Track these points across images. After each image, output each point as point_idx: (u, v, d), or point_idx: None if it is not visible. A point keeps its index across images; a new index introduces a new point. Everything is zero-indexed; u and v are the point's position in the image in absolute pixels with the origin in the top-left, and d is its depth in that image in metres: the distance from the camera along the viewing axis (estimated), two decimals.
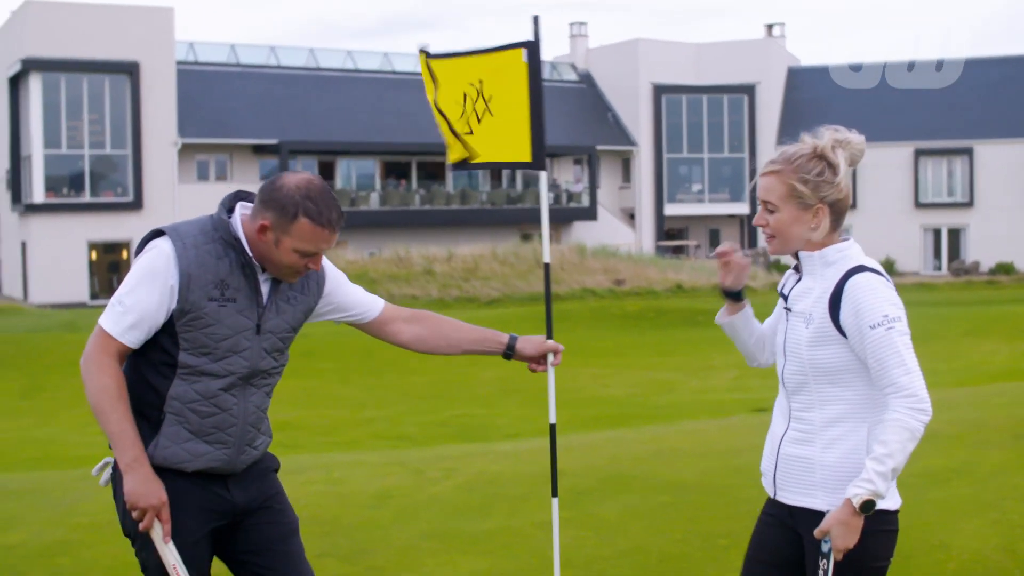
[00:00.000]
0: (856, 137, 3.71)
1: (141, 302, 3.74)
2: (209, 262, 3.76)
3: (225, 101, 48.98)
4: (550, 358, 4.47)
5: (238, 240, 3.80)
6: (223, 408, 3.85)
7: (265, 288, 3.88)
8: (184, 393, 3.79)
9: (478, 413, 17.56)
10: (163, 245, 3.78)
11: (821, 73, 61.41)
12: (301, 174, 3.81)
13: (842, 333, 3.59)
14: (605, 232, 52.78)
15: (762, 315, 4.15)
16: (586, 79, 61.31)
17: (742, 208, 59.00)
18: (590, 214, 54.35)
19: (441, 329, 4.30)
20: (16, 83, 45.96)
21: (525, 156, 4.99)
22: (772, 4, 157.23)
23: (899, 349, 3.49)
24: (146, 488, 3.71)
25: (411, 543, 7.34)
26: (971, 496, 7.96)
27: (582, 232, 53.81)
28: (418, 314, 4.32)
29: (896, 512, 3.69)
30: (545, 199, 5.06)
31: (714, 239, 60.66)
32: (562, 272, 40.56)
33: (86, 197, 44.99)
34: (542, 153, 4.95)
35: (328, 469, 9.63)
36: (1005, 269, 52.97)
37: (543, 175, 5.08)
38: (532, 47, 4.93)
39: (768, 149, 59.05)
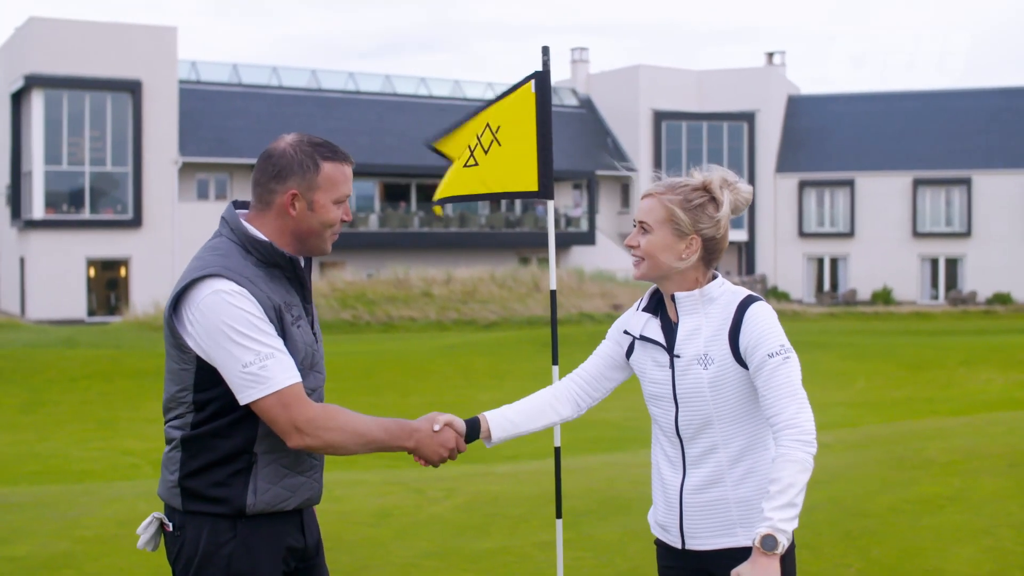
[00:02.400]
0: (745, 187, 3.69)
1: (274, 341, 3.41)
2: (270, 288, 3.49)
3: (226, 120, 49.10)
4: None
5: (276, 251, 3.53)
6: None
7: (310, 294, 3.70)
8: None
9: None
10: (232, 287, 3.40)
11: (821, 101, 61.74)
12: (286, 136, 3.60)
13: (742, 364, 3.55)
14: (603, 257, 52.83)
15: None
16: (586, 104, 61.49)
17: (740, 235, 59.10)
18: (588, 239, 54.42)
19: None
20: (18, 99, 46.05)
21: (532, 185, 5.01)
22: (773, 32, 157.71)
23: (792, 380, 3.47)
24: (438, 441, 3.68)
25: (412, 561, 7.42)
26: (965, 523, 8.05)
27: (580, 257, 53.87)
28: None
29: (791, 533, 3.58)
30: (552, 228, 5.10)
31: None
32: (560, 296, 40.61)
33: (86, 214, 45.02)
34: (550, 182, 4.97)
35: (328, 487, 9.69)
36: (1002, 299, 53.02)
37: (551, 204, 5.12)
38: (541, 77, 4.98)
39: (767, 176, 59.24)
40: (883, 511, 8.45)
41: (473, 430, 3.87)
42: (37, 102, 43.98)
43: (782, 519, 3.33)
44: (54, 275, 43.73)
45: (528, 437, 14.04)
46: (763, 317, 3.53)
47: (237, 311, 3.37)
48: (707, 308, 3.62)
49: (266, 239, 3.54)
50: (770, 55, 61.97)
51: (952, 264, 57.21)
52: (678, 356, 3.63)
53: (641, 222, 3.67)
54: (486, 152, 5.02)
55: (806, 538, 7.66)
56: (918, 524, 8.05)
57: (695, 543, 3.66)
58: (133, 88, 44.87)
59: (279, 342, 3.42)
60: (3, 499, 9.71)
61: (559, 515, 5.12)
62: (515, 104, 4.99)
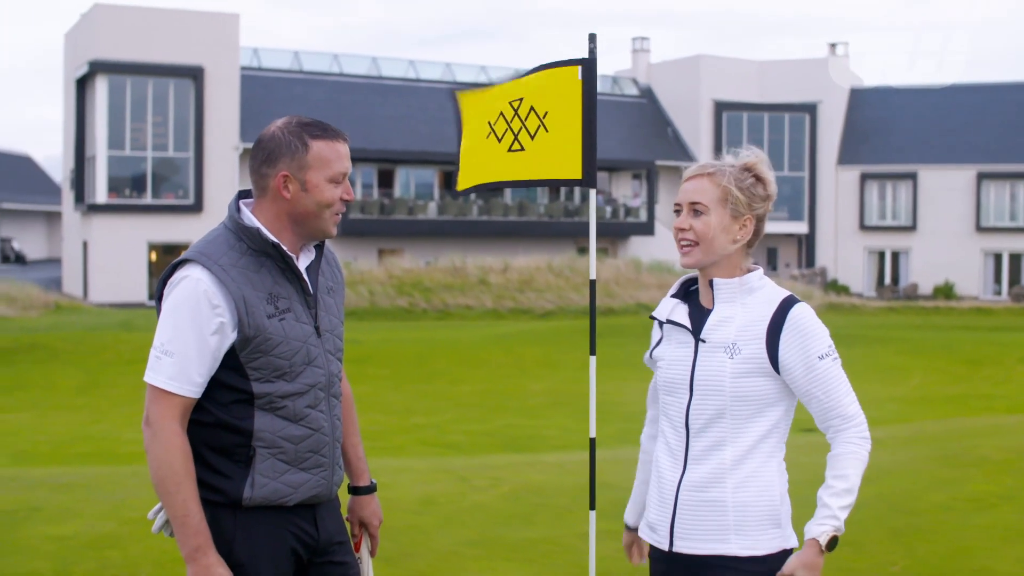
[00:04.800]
0: (772, 176, 3.59)
1: (191, 344, 3.38)
2: (254, 278, 3.44)
3: (287, 107, 49.32)
4: (365, 544, 4.01)
5: (263, 238, 3.47)
6: (316, 428, 3.55)
7: (310, 286, 3.59)
8: (271, 424, 3.47)
9: (526, 424, 17.59)
10: (198, 274, 3.41)
11: (884, 93, 61.08)
12: (277, 120, 3.56)
13: (774, 364, 3.42)
14: (662, 247, 52.64)
15: None
16: (647, 94, 61.27)
17: (801, 227, 58.68)
18: (647, 229, 54.25)
19: (348, 414, 3.93)
20: (83, 84, 46.59)
21: (576, 173, 4.97)
22: (836, 23, 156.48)
23: (844, 378, 3.42)
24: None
25: (454, 549, 7.40)
26: (1016, 522, 7.92)
27: (639, 247, 53.73)
28: (347, 385, 3.90)
29: None
30: (594, 217, 5.05)
31: (772, 258, 60.40)
32: (617, 287, 40.52)
33: (147, 199, 45.51)
34: (593, 171, 4.93)
35: (374, 474, 9.67)
36: None
37: (593, 193, 5.08)
38: (588, 64, 4.93)
39: (829, 168, 58.74)
40: (932, 509, 8.33)
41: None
42: (101, 88, 44.47)
43: (845, 517, 3.32)
44: (116, 259, 44.23)
45: (573, 426, 13.93)
46: (809, 320, 3.43)
47: (184, 298, 3.39)
48: (745, 299, 3.49)
49: (254, 225, 3.49)
50: (833, 46, 61.37)
51: (1016, 259, 56.45)
52: (703, 341, 3.49)
53: (693, 203, 3.51)
54: (532, 138, 4.98)
55: (852, 535, 7.57)
56: (968, 523, 7.93)
57: (684, 545, 3.50)
58: (195, 74, 45.25)
59: (204, 351, 3.40)
60: (53, 479, 9.81)
61: (592, 506, 5.09)
62: (560, 90, 4.95)
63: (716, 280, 3.52)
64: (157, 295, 3.52)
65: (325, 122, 3.56)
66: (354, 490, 3.99)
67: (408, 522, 8.05)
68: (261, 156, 3.52)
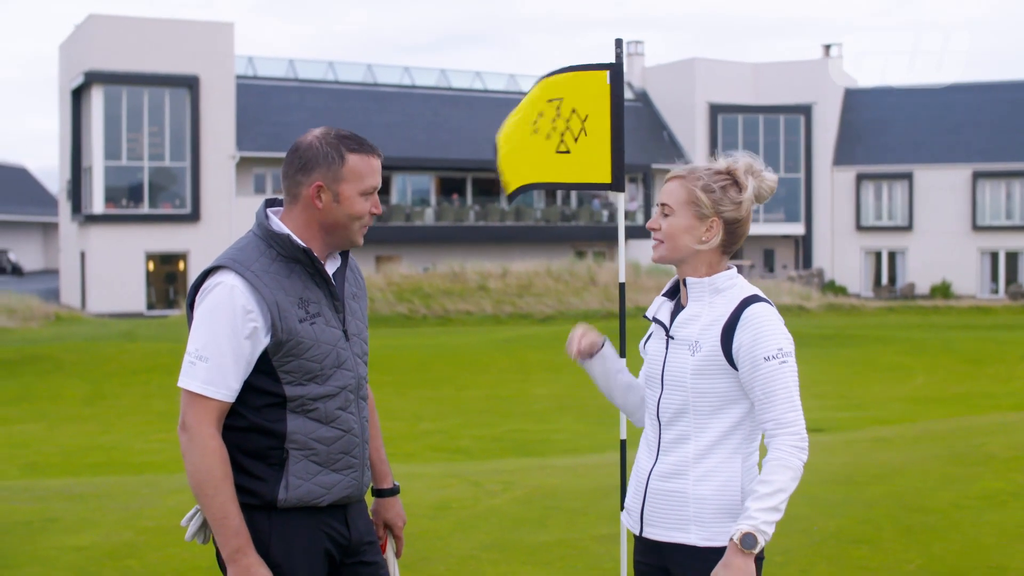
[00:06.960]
0: (770, 175, 3.70)
1: (226, 349, 3.45)
2: (285, 283, 3.52)
3: (283, 115, 49.38)
4: (390, 546, 4.07)
5: (294, 244, 3.55)
6: (347, 429, 3.63)
7: (338, 291, 3.67)
8: (303, 426, 3.54)
9: (533, 428, 17.61)
10: (231, 280, 3.48)
11: (878, 94, 61.17)
12: (314, 129, 3.63)
13: (731, 363, 3.52)
14: None
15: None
16: (642, 97, 61.30)
17: (797, 228, 58.73)
18: (644, 232, 54.04)
19: (370, 418, 3.95)
20: (79, 95, 46.59)
21: (605, 177, 5.04)
22: (829, 24, 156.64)
23: (789, 384, 3.45)
24: None
25: (471, 553, 7.43)
26: None
27: (636, 250, 53.67)
28: (368, 390, 3.92)
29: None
30: (622, 220, 5.11)
31: (768, 259, 60.44)
32: (615, 290, 40.54)
33: (144, 208, 45.50)
34: (622, 175, 5.00)
35: None
36: None
37: (621, 196, 5.13)
38: (615, 69, 5.00)
39: (824, 170, 58.81)
40: (944, 507, 8.36)
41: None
42: (97, 98, 44.46)
43: (765, 521, 3.33)
44: (114, 269, 44.23)
45: (581, 430, 13.89)
46: (761, 319, 3.50)
47: (218, 304, 3.46)
48: (712, 298, 3.61)
49: (284, 232, 3.57)
50: (827, 47, 61.46)
51: (1012, 258, 56.55)
52: (672, 337, 3.64)
53: (663, 204, 3.67)
54: (576, 140, 5.04)
55: (866, 533, 7.62)
56: (980, 520, 7.96)
57: (651, 531, 3.66)
58: (191, 84, 45.27)
59: (240, 355, 3.46)
60: (68, 490, 9.85)
61: (623, 507, 5.11)
62: (592, 95, 5.02)
63: (689, 279, 3.66)
64: (188, 302, 3.59)
65: (361, 136, 3.64)
66: (378, 492, 4.06)
67: (424, 527, 8.08)
68: (297, 164, 3.59)
